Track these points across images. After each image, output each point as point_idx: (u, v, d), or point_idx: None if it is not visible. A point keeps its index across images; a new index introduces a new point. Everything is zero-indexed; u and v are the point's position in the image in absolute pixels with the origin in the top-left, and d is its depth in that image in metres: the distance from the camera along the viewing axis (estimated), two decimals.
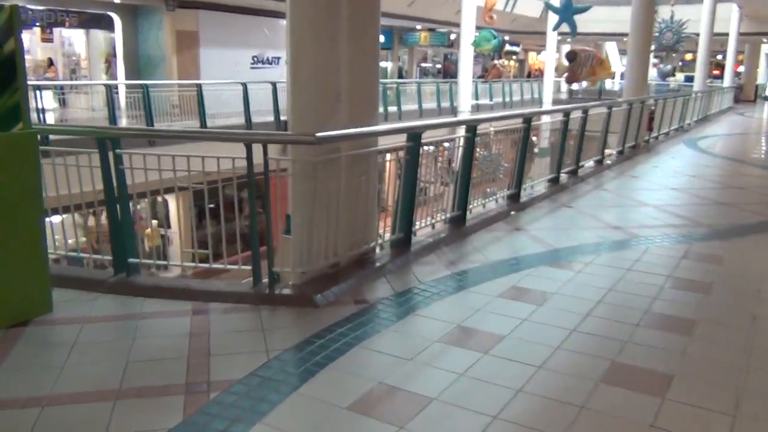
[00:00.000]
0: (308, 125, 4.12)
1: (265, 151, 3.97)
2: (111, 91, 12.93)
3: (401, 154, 5.03)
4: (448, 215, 5.88)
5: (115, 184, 4.21)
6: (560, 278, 4.64)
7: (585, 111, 9.14)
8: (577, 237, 5.90)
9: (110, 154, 4.11)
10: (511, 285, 4.45)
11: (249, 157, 3.95)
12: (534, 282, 4.53)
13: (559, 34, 31.50)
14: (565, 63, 15.52)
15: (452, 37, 30.91)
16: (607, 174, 9.85)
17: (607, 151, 10.82)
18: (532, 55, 48.18)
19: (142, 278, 4.46)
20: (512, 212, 6.75)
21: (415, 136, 4.89)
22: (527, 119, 7.12)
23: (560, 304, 4.13)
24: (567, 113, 8.50)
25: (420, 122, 5.51)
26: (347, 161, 4.28)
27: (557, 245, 5.57)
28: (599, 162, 10.28)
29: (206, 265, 4.39)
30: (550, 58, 31.68)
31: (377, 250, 4.92)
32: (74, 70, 20.31)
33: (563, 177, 8.59)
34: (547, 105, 32.01)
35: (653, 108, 13.94)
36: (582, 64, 14.28)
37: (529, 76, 37.74)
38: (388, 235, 5.08)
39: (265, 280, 4.13)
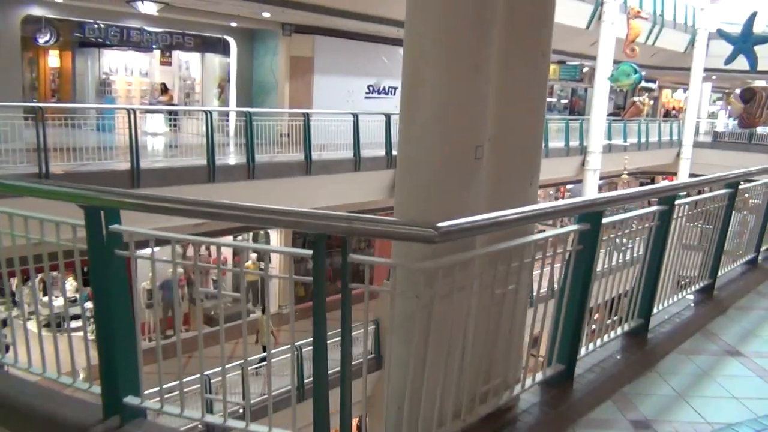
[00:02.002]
0: (425, 203, 2.45)
1: (344, 249, 2.30)
2: (209, 117, 11.92)
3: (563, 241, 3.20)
4: (624, 326, 3.92)
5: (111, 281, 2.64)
6: None
7: None
8: None
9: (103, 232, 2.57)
10: None
11: (317, 257, 2.30)
12: None
13: (706, 69, 28.41)
14: (739, 103, 13.04)
15: (584, 70, 28.56)
16: None
17: None
18: (666, 92, 44.63)
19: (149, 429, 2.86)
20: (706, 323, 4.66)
21: (593, 216, 3.05)
22: (732, 184, 5.04)
23: None
24: None
25: (601, 196, 3.49)
26: (484, 262, 2.53)
27: None
28: None
29: None
30: (693, 96, 28.56)
31: (522, 397, 3.09)
32: (188, 94, 19.97)
33: (762, 257, 6.33)
34: (688, 148, 28.82)
35: None
36: (762, 104, 11.79)
37: (666, 115, 34.51)
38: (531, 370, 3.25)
39: None
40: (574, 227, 3.01)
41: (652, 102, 33.66)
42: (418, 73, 2.49)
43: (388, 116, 15.28)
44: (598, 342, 3.61)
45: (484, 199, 2.53)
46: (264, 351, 15.03)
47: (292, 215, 2.28)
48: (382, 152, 15.22)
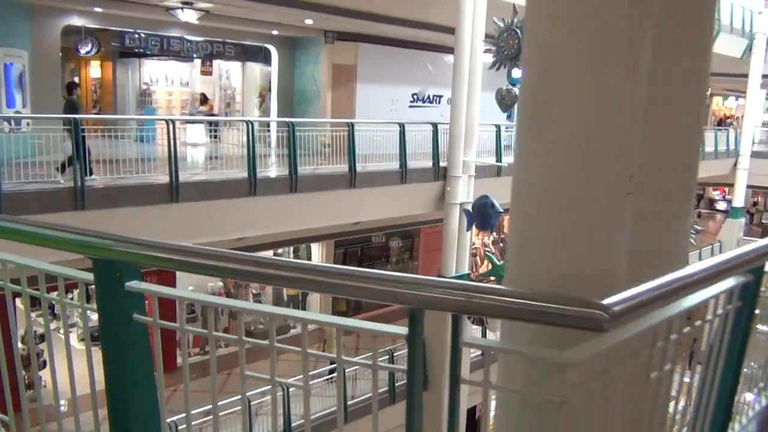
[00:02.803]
0: (556, 260, 1.75)
1: (455, 330, 1.60)
2: (250, 127, 11.41)
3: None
4: None
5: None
6: None
7: None
8: None
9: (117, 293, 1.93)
10: None
11: (414, 338, 1.62)
12: None
13: (764, 76, 27.03)
14: None
15: None
16: None
17: None
18: (716, 100, 42.93)
19: None
20: None
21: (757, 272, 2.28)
22: None
23: None
24: None
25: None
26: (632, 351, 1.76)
27: None
28: None
29: None
30: (751, 103, 27.19)
31: None
32: (229, 104, 19.62)
33: None
34: (746, 158, 27.44)
35: None
36: None
37: (720, 123, 33.04)
38: None
39: None
40: (735, 280, 2.25)
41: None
42: (548, 77, 1.79)
43: (435, 125, 14.63)
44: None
45: (628, 253, 1.82)
46: (331, 364, 14.46)
47: (379, 281, 1.59)
48: (429, 163, 14.55)
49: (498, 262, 15.36)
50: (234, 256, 1.70)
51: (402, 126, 13.91)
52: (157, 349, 1.90)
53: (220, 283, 16.16)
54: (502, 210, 14.34)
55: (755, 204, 36.35)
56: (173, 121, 10.86)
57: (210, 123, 15.52)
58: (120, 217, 9.73)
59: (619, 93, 1.72)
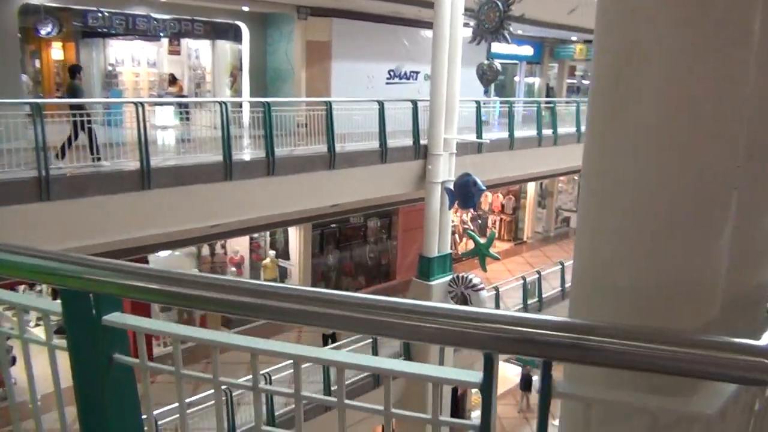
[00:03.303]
0: (641, 274, 1.40)
1: (545, 374, 1.23)
2: (224, 108, 10.92)
3: None
4: None
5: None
6: None
7: None
8: None
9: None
10: None
11: (486, 387, 1.24)
12: None
13: None
14: None
15: None
16: None
17: None
18: None
19: None
20: None
21: None
22: None
23: None
24: None
25: None
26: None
27: None
28: None
29: None
30: None
31: None
32: (199, 85, 18.95)
33: None
34: None
35: None
36: None
37: None
38: None
39: None
40: None
41: None
42: (635, 54, 1.41)
43: (414, 102, 14.24)
44: None
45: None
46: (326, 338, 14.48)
47: (446, 317, 1.21)
48: (409, 142, 14.19)
49: (480, 241, 15.11)
50: (262, 289, 1.33)
51: (381, 104, 13.49)
52: (150, 404, 1.52)
53: (196, 270, 15.69)
54: (484, 188, 14.07)
55: None
56: (142, 104, 10.32)
57: (180, 105, 14.93)
58: (88, 207, 9.22)
59: (727, 69, 1.37)
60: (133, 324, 1.44)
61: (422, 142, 14.24)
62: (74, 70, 11.40)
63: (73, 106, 10.14)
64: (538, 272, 19.02)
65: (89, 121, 9.92)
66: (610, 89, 1.49)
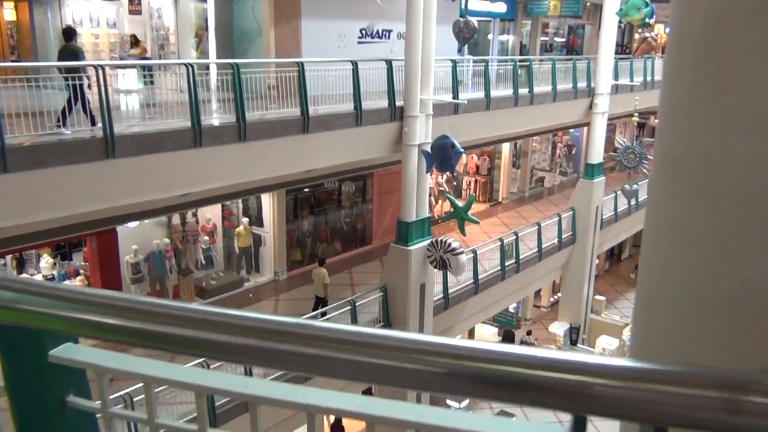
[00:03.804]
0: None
1: None
2: (190, 70, 10.35)
3: None
4: None
5: None
6: None
7: None
8: None
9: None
10: None
11: None
12: None
13: None
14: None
15: (586, 5, 26.85)
16: None
17: None
18: (659, 27, 42.90)
19: None
20: None
21: None
22: None
23: None
24: None
25: None
26: None
27: None
28: None
29: None
30: None
31: None
32: (162, 46, 18.13)
33: None
34: None
35: None
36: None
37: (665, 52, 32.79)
38: None
39: None
40: None
41: (664, 38, 31.85)
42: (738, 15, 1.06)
43: (389, 62, 13.77)
44: None
45: None
46: (318, 301, 14.35)
47: (518, 362, 0.88)
48: (384, 103, 13.75)
49: (459, 204, 14.86)
50: (284, 327, 0.97)
51: (355, 64, 12.99)
52: None
53: (167, 240, 15.21)
54: (462, 150, 13.76)
55: None
56: (102, 67, 9.70)
57: (143, 67, 14.22)
58: (50, 178, 8.68)
59: None
60: (91, 361, 1.08)
61: (398, 103, 13.82)
62: (70, 32, 10.82)
63: (69, 70, 9.77)
64: (515, 234, 18.92)
65: (81, 86, 9.65)
66: (703, 66, 1.15)
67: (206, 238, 16.40)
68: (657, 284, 1.28)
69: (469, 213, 14.98)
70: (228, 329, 0.95)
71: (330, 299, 14.81)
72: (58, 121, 9.35)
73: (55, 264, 15.92)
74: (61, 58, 10.37)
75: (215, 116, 11.44)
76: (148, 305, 0.98)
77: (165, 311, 0.96)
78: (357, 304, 14.08)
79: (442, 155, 13.70)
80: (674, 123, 1.26)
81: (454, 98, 15.07)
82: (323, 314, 13.78)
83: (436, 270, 14.85)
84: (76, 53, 10.32)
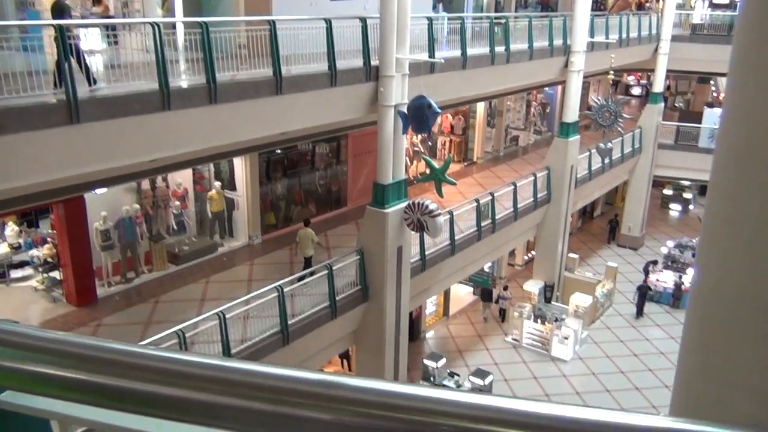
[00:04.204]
0: None
1: None
2: (157, 30, 9.86)
3: None
4: None
5: None
6: None
7: None
8: None
9: None
10: None
11: None
12: None
13: None
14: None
15: None
16: None
17: None
18: None
19: None
20: None
21: None
22: None
23: None
24: None
25: None
26: None
27: None
28: None
29: None
30: None
31: None
32: (126, 4, 17.35)
33: None
34: (666, 42, 27.36)
35: None
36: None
37: (640, 7, 32.54)
38: None
39: None
40: None
41: None
42: None
43: (364, 20, 13.34)
44: None
45: None
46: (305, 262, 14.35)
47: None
48: (359, 62, 13.37)
49: (435, 166, 14.66)
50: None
51: (328, 22, 12.55)
52: None
53: (137, 206, 14.79)
54: (439, 110, 13.50)
55: (668, 88, 36.88)
56: (63, 26, 9.18)
57: (107, 27, 13.57)
58: (10, 145, 8.25)
59: None
60: (36, 407, 0.86)
61: (373, 63, 13.45)
62: None
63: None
64: (491, 194, 18.84)
65: (74, 45, 9.35)
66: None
67: (177, 203, 16.02)
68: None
69: (446, 174, 14.80)
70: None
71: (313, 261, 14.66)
72: (54, 82, 9.06)
73: (21, 232, 15.45)
74: (53, 16, 10.08)
75: (184, 78, 10.98)
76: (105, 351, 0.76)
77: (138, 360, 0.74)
78: (334, 268, 13.92)
79: (418, 116, 13.42)
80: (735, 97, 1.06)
81: (430, 57, 14.72)
82: (313, 273, 13.73)
83: (413, 232, 14.72)
84: (62, 10, 9.89)
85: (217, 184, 16.60)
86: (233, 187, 17.10)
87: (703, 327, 1.14)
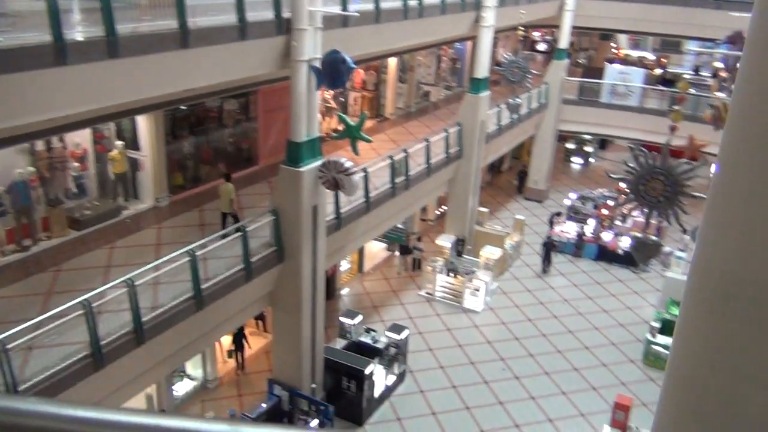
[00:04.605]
0: None
1: None
2: None
3: None
4: None
5: None
6: None
7: None
8: None
9: None
10: None
11: None
12: None
13: None
14: None
15: None
16: None
17: None
18: None
19: None
20: None
21: None
22: None
23: None
24: None
25: None
26: None
27: None
28: None
29: None
30: None
31: None
32: None
33: None
34: None
35: None
36: None
37: None
38: None
39: None
40: None
41: None
42: None
43: None
44: None
45: None
46: (226, 218, 13.99)
47: None
48: (270, 14, 12.78)
49: (351, 123, 14.41)
50: None
51: None
52: None
53: (31, 168, 13.72)
54: (354, 65, 13.21)
55: (572, 45, 37.94)
56: None
57: None
58: None
59: None
60: None
61: (285, 14, 12.90)
62: None
63: None
64: (405, 151, 18.83)
65: None
66: None
67: (76, 164, 15.01)
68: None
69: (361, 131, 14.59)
70: None
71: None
72: None
73: None
74: None
75: (80, 29, 10.10)
76: None
77: None
78: (248, 229, 13.55)
79: (333, 71, 13.08)
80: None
81: (343, 10, 14.30)
82: (238, 230, 13.33)
83: (328, 191, 14.51)
84: None
85: (119, 143, 15.66)
86: (137, 147, 16.20)
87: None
